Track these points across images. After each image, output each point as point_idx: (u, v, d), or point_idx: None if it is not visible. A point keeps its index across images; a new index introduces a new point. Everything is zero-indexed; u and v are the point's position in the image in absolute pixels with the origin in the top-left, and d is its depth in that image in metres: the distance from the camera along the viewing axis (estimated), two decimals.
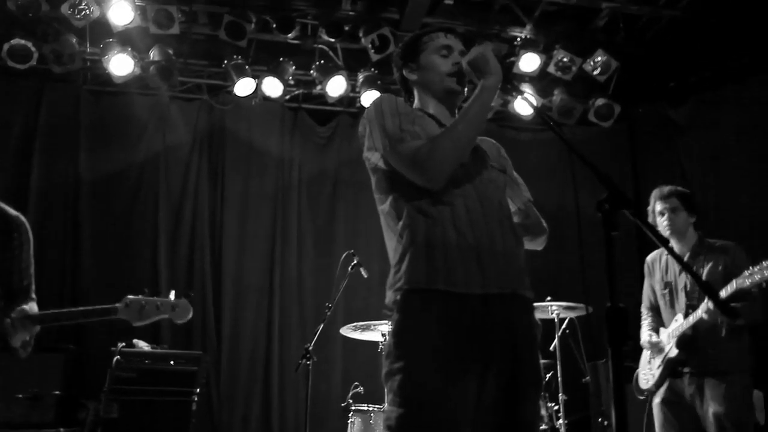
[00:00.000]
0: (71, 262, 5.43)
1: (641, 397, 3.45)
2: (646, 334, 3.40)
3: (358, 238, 5.71)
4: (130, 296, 2.35)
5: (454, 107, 2.01)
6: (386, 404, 1.74)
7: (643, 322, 3.49)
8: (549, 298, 4.32)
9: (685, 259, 3.29)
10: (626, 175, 6.58)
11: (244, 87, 5.53)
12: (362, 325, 4.06)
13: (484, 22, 5.51)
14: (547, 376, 4.44)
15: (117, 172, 5.57)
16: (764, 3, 5.05)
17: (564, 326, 4.45)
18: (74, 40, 5.14)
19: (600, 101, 5.88)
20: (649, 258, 3.55)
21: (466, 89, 1.95)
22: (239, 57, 5.46)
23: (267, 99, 5.68)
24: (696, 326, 3.13)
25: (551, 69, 5.65)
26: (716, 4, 5.25)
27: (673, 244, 3.36)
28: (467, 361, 1.71)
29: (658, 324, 3.42)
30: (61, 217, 5.53)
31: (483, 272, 1.76)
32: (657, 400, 3.29)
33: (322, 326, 4.05)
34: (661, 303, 3.40)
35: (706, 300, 3.05)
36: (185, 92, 5.92)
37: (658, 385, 3.30)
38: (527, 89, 5.82)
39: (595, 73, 5.64)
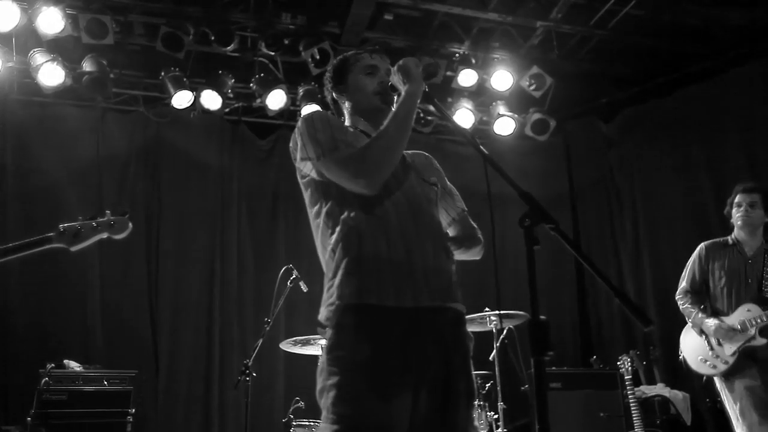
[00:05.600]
0: None
1: (702, 381, 3.72)
2: (711, 320, 3.57)
3: (299, 252, 5.66)
4: (65, 224, 2.20)
5: (382, 124, 2.05)
6: (321, 421, 1.73)
7: (691, 307, 3.70)
8: (487, 309, 4.39)
9: (753, 254, 3.59)
10: (563, 188, 6.80)
11: (181, 99, 5.43)
12: (302, 340, 4.03)
13: (423, 38, 5.61)
14: (487, 385, 4.51)
15: (47, 186, 5.33)
16: (684, 22, 5.37)
17: (503, 336, 4.52)
18: None
19: (536, 116, 6.07)
20: (705, 243, 3.78)
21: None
22: (177, 69, 5.37)
23: (206, 112, 5.59)
24: None
25: (489, 85, 5.80)
26: (642, 24, 5.51)
27: (743, 236, 3.65)
28: (400, 375, 1.72)
29: (699, 304, 3.67)
30: None
31: (414, 286, 1.79)
32: (749, 383, 3.43)
33: (261, 341, 4.00)
34: (721, 289, 3.62)
35: None
36: (121, 104, 5.76)
37: (732, 370, 3.47)
38: (465, 104, 5.96)
39: (530, 88, 5.82)
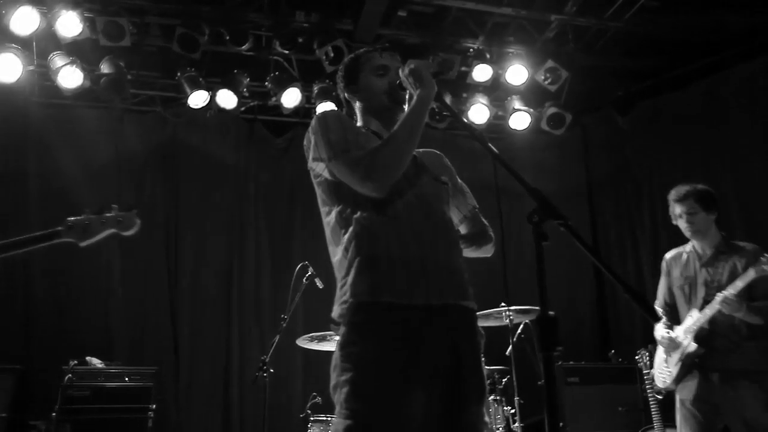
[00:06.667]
0: (21, 277, 5.27)
1: (659, 396, 3.68)
2: (662, 331, 3.44)
3: (316, 249, 5.63)
4: (72, 218, 2.14)
5: (393, 124, 2.06)
6: (334, 416, 1.76)
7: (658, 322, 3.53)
8: (503, 304, 4.38)
9: (708, 257, 3.40)
10: (580, 182, 6.75)
11: (197, 99, 5.49)
12: (318, 336, 4.06)
13: (437, 34, 5.59)
14: (503, 380, 4.51)
15: (67, 186, 5.41)
16: (700, 13, 5.29)
17: (519, 331, 4.51)
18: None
19: (551, 110, 6.03)
20: (668, 255, 3.62)
21: (405, 106, 1.99)
22: (193, 69, 5.42)
23: (222, 111, 5.65)
24: (714, 322, 3.23)
25: (504, 79, 5.78)
26: (658, 15, 5.45)
27: (696, 243, 3.46)
28: (412, 371, 1.74)
29: (673, 322, 3.49)
30: (8, 233, 5.34)
31: (426, 283, 1.80)
32: (684, 396, 3.30)
33: (278, 338, 4.04)
34: (680, 299, 3.48)
35: (722, 292, 3.17)
36: (138, 104, 5.84)
37: (677, 380, 3.35)
38: (480, 99, 5.94)
39: (546, 82, 5.78)
